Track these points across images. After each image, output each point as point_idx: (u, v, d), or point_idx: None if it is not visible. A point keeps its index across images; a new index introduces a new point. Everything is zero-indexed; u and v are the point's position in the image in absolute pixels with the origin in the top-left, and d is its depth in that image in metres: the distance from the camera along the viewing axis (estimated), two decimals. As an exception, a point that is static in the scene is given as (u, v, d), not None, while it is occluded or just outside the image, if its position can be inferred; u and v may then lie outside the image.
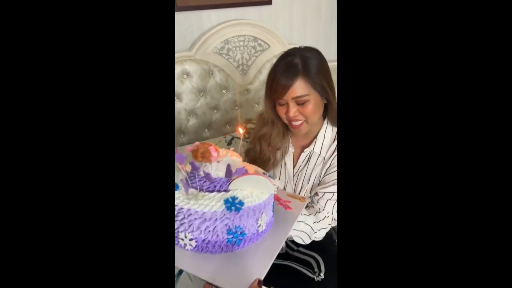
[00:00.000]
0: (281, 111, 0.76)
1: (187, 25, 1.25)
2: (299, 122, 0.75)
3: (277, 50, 1.39)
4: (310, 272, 0.77)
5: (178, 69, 1.22)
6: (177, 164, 0.51)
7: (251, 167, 0.62)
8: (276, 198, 0.65)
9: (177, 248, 0.50)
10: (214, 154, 0.51)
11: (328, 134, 0.80)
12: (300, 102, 0.72)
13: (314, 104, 0.73)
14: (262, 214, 0.52)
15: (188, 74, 1.25)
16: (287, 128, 0.82)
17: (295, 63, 0.72)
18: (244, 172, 0.49)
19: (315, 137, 0.80)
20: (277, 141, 0.82)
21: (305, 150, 0.81)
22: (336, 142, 0.78)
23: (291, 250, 0.85)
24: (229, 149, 0.60)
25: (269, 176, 0.59)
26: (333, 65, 1.68)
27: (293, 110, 0.73)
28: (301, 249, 0.83)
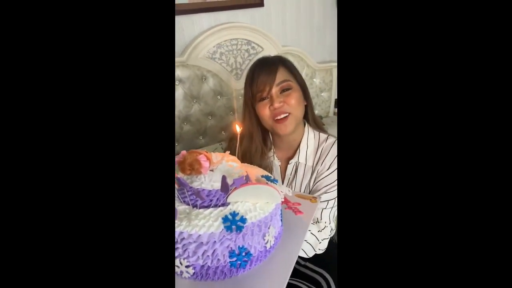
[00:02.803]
0: (264, 108, 0.72)
1: (178, 30, 1.20)
2: (284, 115, 0.71)
3: (270, 52, 1.34)
4: None
5: (169, 76, 1.16)
6: None
7: (252, 170, 0.55)
8: (285, 201, 0.58)
9: None
10: (205, 164, 0.43)
11: (310, 142, 0.78)
12: (285, 88, 0.71)
13: (298, 93, 0.72)
14: (269, 228, 0.44)
15: (180, 80, 1.19)
16: (265, 144, 0.79)
17: (273, 59, 0.74)
18: (243, 183, 0.43)
19: (298, 146, 0.78)
20: (257, 158, 0.78)
21: (290, 162, 0.79)
22: (320, 149, 0.77)
23: (297, 264, 0.76)
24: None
25: (274, 181, 0.52)
26: (329, 65, 1.63)
27: (278, 99, 0.70)
28: (308, 264, 0.75)
